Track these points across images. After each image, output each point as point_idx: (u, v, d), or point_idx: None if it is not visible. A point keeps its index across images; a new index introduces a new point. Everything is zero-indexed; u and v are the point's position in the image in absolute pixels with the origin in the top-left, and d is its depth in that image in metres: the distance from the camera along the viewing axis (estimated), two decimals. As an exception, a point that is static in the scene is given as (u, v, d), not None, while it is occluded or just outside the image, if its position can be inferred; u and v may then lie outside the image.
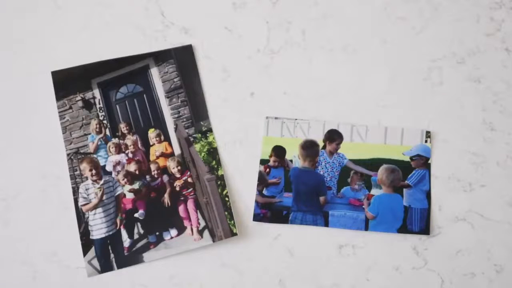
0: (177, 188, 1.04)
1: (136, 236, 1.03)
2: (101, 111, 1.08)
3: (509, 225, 1.02)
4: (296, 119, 1.06)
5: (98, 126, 1.08)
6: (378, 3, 1.10)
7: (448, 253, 1.01)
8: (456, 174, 1.04)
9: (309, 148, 1.04)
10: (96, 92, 1.08)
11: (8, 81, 1.07)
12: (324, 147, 1.06)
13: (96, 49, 1.08)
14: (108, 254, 1.01)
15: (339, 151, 1.05)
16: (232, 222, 1.01)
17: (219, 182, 1.03)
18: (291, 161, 1.05)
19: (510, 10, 1.10)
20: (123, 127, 1.08)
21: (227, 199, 1.02)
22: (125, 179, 1.04)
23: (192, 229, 1.03)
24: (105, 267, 1.00)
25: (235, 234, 1.01)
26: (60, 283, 1.00)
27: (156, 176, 1.06)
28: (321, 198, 1.03)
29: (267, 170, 1.05)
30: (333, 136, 1.05)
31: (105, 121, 1.08)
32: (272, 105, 1.06)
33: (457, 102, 1.06)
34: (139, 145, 1.08)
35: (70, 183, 1.03)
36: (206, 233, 1.02)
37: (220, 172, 1.04)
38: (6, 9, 1.10)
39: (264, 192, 1.04)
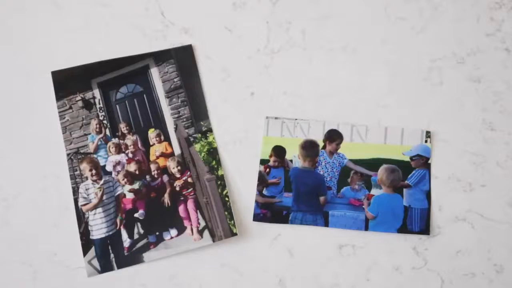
0: (177, 188, 1.04)
1: (136, 236, 1.03)
2: (101, 111, 1.08)
3: (509, 225, 1.02)
4: (296, 119, 1.05)
5: (98, 126, 1.08)
6: (378, 3, 1.10)
7: (448, 253, 1.01)
8: (456, 174, 1.04)
9: (309, 148, 1.04)
10: (96, 92, 1.08)
11: (8, 81, 1.07)
12: (324, 147, 1.05)
13: (96, 49, 1.08)
14: (108, 254, 1.00)
15: (339, 151, 1.05)
16: (232, 222, 1.01)
17: (219, 182, 1.03)
18: (291, 161, 1.05)
19: (510, 10, 1.10)
20: (123, 127, 1.08)
21: (227, 199, 1.02)
22: (125, 179, 1.04)
23: (192, 229, 1.03)
24: (105, 267, 1.00)
25: (235, 234, 1.01)
26: (60, 283, 1.00)
27: (156, 176, 1.06)
28: (321, 198, 1.03)
29: (267, 170, 1.05)
30: (333, 136, 1.05)
31: (105, 121, 1.08)
32: (272, 105, 1.06)
33: (457, 102, 1.06)
34: (139, 145, 1.08)
35: (70, 183, 1.03)
36: (206, 233, 1.02)
37: (220, 172, 1.04)
38: (6, 9, 1.10)
39: (264, 192, 1.04)
